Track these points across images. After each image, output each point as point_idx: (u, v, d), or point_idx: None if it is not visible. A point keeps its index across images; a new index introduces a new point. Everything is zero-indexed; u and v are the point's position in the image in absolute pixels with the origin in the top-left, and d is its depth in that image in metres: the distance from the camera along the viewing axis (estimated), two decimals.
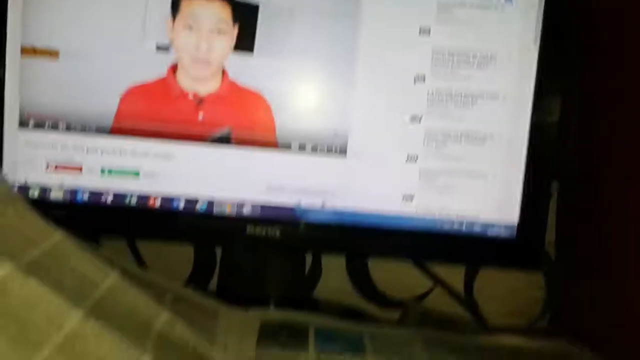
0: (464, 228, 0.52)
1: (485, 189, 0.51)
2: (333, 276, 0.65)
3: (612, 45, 0.53)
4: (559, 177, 0.58)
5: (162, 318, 0.41)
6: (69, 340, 0.32)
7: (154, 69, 0.49)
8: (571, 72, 0.53)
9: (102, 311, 0.36)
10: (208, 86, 0.49)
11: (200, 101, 0.49)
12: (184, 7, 0.49)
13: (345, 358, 0.45)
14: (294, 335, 0.47)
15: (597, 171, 0.55)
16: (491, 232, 0.52)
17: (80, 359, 0.32)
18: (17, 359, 0.29)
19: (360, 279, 0.65)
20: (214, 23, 0.49)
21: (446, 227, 0.52)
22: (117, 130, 0.49)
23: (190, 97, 0.49)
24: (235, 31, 0.49)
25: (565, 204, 0.60)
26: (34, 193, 0.50)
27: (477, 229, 0.52)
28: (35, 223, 0.38)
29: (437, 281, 0.65)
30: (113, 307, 0.38)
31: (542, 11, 0.50)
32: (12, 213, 0.37)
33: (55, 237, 0.39)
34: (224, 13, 0.49)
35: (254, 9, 0.49)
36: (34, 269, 0.35)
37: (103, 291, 0.39)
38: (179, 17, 0.49)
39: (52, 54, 0.49)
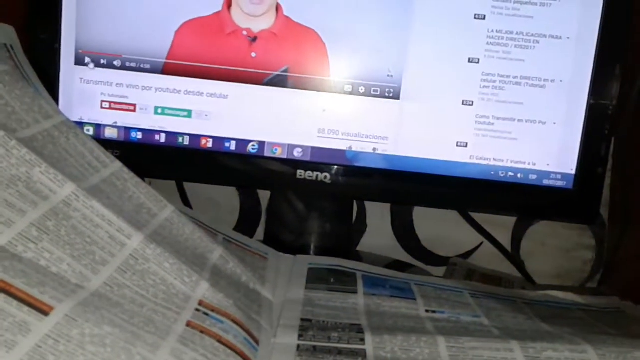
0: (519, 177, 0.51)
1: (544, 136, 0.50)
2: (377, 233, 0.64)
3: None
4: (617, 135, 0.56)
5: (216, 254, 0.41)
6: (131, 259, 0.33)
7: (209, 3, 0.48)
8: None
9: (160, 238, 0.37)
10: (262, 23, 0.48)
11: (254, 39, 0.48)
12: None
13: (396, 302, 0.44)
14: (342, 280, 0.47)
15: None
16: (547, 182, 0.51)
17: (143, 277, 0.32)
18: (84, 272, 0.30)
19: (405, 235, 0.64)
20: None
21: (501, 175, 0.51)
22: (171, 68, 0.49)
23: (244, 33, 0.48)
24: None
25: (621, 163, 0.57)
26: (89, 131, 0.50)
27: (533, 177, 0.51)
28: (95, 151, 0.39)
29: (484, 235, 0.64)
30: (170, 237, 0.39)
31: None
32: (74, 139, 0.38)
33: (115, 166, 0.39)
34: None
35: None
36: (95, 192, 0.35)
37: (161, 221, 0.39)
38: None
39: None
